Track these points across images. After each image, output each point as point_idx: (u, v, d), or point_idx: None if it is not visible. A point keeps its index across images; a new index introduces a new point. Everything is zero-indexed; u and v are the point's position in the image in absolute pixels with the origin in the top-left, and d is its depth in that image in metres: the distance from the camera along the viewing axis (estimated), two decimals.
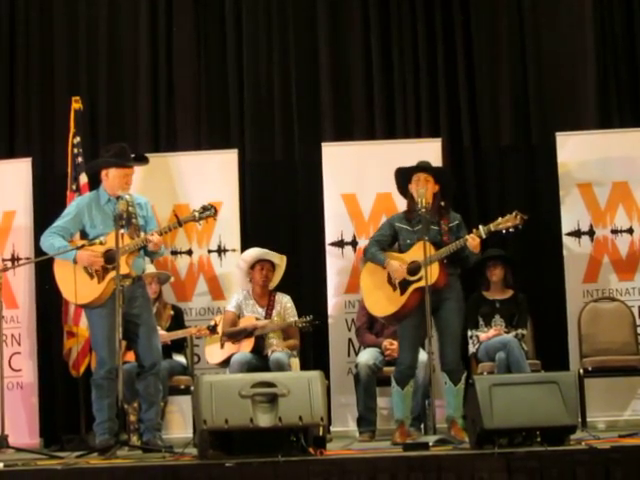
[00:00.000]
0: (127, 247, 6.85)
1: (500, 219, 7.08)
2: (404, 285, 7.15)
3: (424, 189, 7.12)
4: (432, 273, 6.96)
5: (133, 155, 7.22)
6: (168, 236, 7.85)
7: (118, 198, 7.00)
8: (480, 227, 7.08)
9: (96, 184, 7.29)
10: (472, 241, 7.03)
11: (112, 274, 6.87)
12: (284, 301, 8.35)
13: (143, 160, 7.31)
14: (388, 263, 7.22)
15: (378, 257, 7.30)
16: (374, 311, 7.45)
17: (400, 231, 7.32)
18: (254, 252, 8.38)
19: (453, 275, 7.20)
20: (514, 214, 7.05)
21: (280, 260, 8.37)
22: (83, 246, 6.92)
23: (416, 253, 7.08)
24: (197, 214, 6.95)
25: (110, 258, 6.90)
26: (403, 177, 7.34)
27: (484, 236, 7.06)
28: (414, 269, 7.11)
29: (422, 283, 6.94)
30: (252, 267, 8.35)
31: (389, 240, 7.37)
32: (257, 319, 8.22)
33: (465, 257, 7.16)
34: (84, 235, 7.13)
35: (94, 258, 6.92)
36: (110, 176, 7.09)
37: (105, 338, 6.93)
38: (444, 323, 7.12)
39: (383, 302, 7.27)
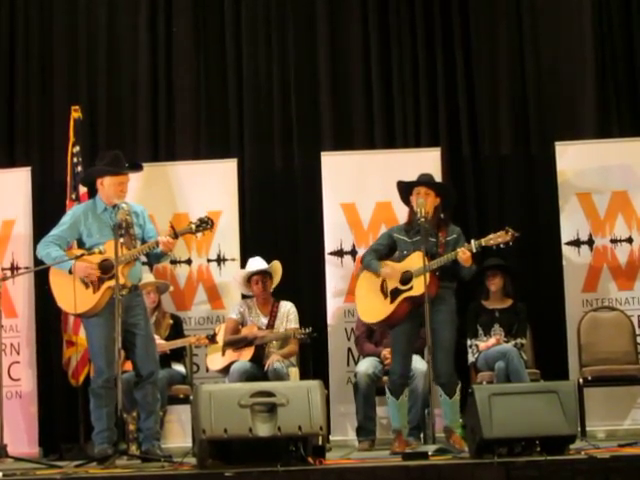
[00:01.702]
0: (123, 257, 6.84)
1: (492, 235, 7.09)
2: (395, 294, 7.18)
3: (423, 199, 7.13)
4: (423, 284, 6.97)
5: (127, 164, 7.22)
6: None
7: (115, 207, 7.00)
8: (472, 241, 7.09)
9: (95, 193, 7.29)
10: (462, 255, 7.04)
11: (107, 284, 6.86)
12: (287, 309, 8.36)
13: (137, 167, 7.29)
14: (381, 270, 7.26)
15: (373, 265, 7.34)
16: (363, 317, 7.50)
17: (398, 242, 7.34)
18: (244, 270, 8.44)
19: (448, 288, 7.20)
20: (505, 230, 7.06)
21: (272, 268, 8.38)
22: (82, 255, 6.91)
23: (410, 263, 7.13)
24: (194, 226, 6.92)
25: (105, 268, 6.90)
26: (404, 190, 7.35)
27: (474, 250, 7.08)
28: (406, 278, 7.14)
29: (412, 292, 7.03)
30: (248, 281, 8.37)
31: (386, 250, 7.40)
32: (259, 328, 8.23)
33: (457, 270, 7.16)
34: (80, 244, 7.12)
35: (90, 270, 6.90)
36: (105, 184, 7.08)
37: (102, 347, 6.92)
38: (436, 336, 7.02)
39: (372, 309, 7.31)
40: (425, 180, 7.30)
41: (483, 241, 7.08)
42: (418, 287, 6.98)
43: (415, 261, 7.02)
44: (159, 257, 7.15)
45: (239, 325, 8.31)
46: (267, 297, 8.38)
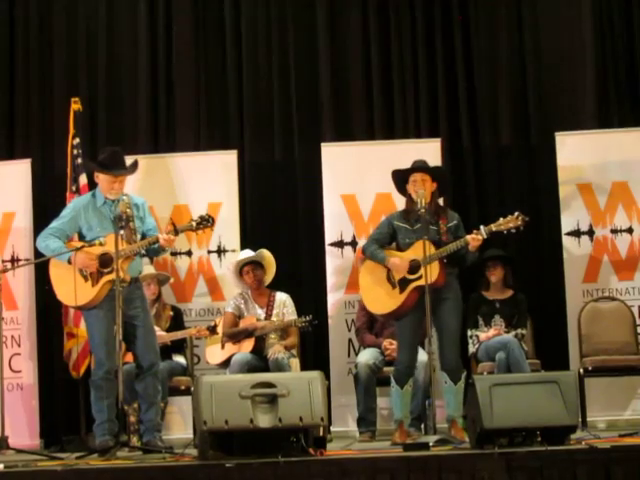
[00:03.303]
0: (123, 252, 6.83)
1: (502, 219, 7.09)
2: (403, 283, 7.15)
3: (423, 190, 7.12)
4: (432, 272, 6.96)
5: (132, 160, 7.21)
6: None
7: (115, 199, 7.00)
8: (481, 227, 7.07)
9: (95, 185, 7.28)
10: (473, 241, 7.03)
11: (106, 278, 6.87)
12: (283, 300, 8.36)
13: (131, 169, 7.19)
14: (389, 260, 7.21)
15: (378, 255, 7.28)
16: (372, 308, 7.44)
17: (399, 229, 7.31)
18: (236, 260, 8.44)
19: (451, 274, 7.20)
20: (515, 215, 7.06)
21: (263, 258, 8.37)
22: (82, 247, 6.92)
23: (416, 252, 7.07)
24: (194, 224, 6.93)
25: (105, 262, 6.90)
26: (400, 178, 7.34)
27: (485, 236, 7.06)
28: (414, 267, 7.10)
29: (422, 282, 6.93)
30: (241, 273, 8.37)
31: (387, 238, 7.36)
32: (257, 320, 8.23)
33: (462, 256, 7.15)
34: (81, 237, 7.12)
35: (89, 261, 6.91)
36: (100, 180, 7.10)
37: (102, 339, 6.94)
38: (443, 323, 7.12)
39: (382, 299, 7.26)
40: (420, 166, 7.28)
41: (493, 226, 7.07)
42: (428, 276, 6.92)
43: (420, 250, 6.93)
44: (157, 252, 7.17)
45: (236, 318, 8.31)
46: (261, 288, 8.38)
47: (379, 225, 7.54)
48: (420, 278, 7.00)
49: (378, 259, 7.29)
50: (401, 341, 7.28)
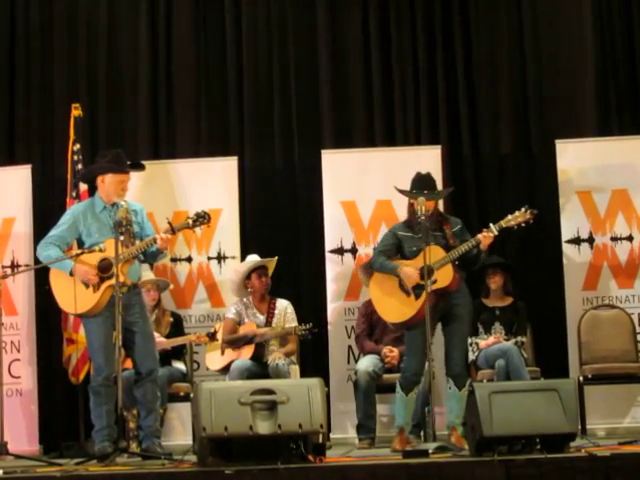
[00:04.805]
0: (122, 256, 6.83)
1: (510, 216, 7.13)
2: (418, 290, 7.11)
3: (424, 198, 7.11)
4: (446, 275, 7.01)
5: (129, 162, 7.23)
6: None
7: (114, 205, 7.01)
8: (491, 225, 7.09)
9: (95, 191, 7.28)
10: (485, 240, 7.04)
11: (107, 283, 6.87)
12: (284, 306, 8.35)
13: (139, 167, 7.30)
14: (401, 270, 7.18)
15: (389, 266, 7.24)
16: (388, 318, 7.37)
17: (404, 239, 7.29)
18: (248, 262, 8.42)
19: (461, 278, 7.22)
20: (524, 210, 7.11)
21: (271, 264, 8.39)
22: (82, 253, 6.91)
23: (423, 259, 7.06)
24: (191, 221, 6.94)
25: (104, 267, 6.90)
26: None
27: (496, 233, 7.08)
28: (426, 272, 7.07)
29: (437, 285, 6.95)
30: (248, 276, 8.36)
31: (393, 249, 7.33)
32: (257, 326, 8.23)
33: (475, 256, 7.15)
34: (80, 244, 7.12)
35: (90, 275, 6.90)
36: (106, 182, 7.09)
37: (101, 345, 6.94)
38: (454, 328, 7.13)
39: (398, 308, 7.21)
40: (428, 194, 7.19)
41: (503, 222, 7.10)
42: (442, 279, 6.97)
43: (431, 254, 6.92)
44: (155, 256, 7.15)
45: (237, 324, 8.30)
46: (264, 294, 8.38)
47: (383, 238, 7.52)
48: (434, 282, 6.98)
49: (389, 269, 7.24)
50: (411, 348, 7.23)
